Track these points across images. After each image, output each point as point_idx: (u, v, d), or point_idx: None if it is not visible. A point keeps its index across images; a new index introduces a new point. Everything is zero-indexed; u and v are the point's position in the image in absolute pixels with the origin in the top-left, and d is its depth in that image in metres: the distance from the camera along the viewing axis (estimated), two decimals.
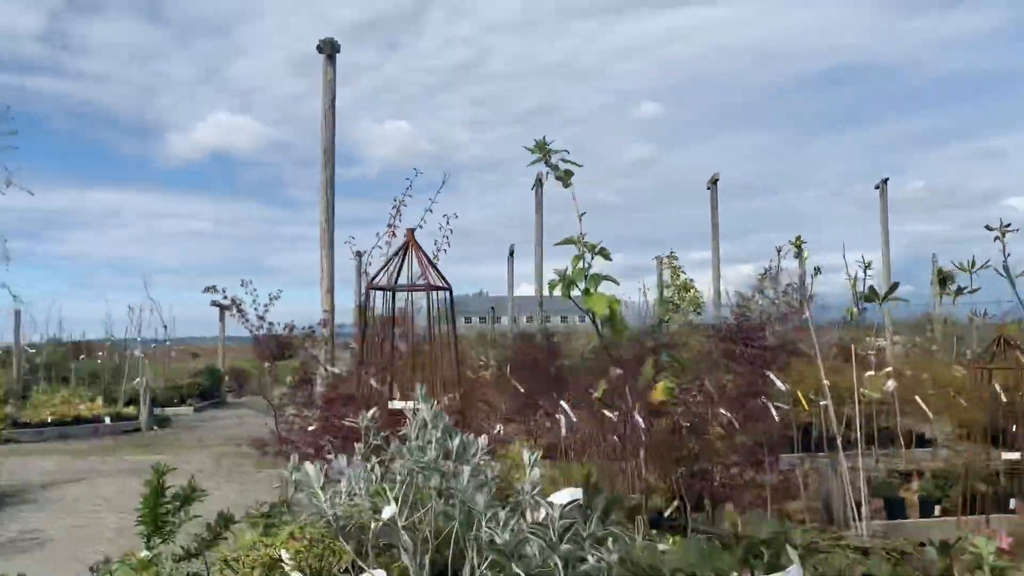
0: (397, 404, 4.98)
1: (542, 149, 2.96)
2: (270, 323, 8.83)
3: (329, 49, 11.33)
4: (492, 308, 29.40)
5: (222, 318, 27.90)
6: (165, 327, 22.27)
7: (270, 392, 8.88)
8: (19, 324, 21.93)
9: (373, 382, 7.00)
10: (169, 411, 21.21)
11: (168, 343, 23.96)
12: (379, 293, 6.26)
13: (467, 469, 2.53)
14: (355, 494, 2.79)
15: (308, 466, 2.99)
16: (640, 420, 6.19)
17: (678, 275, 15.24)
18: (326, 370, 8.95)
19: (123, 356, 22.85)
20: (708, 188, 19.60)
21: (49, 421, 17.38)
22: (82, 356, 24.34)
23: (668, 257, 16.19)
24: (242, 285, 8.72)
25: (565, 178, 2.99)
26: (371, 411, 3.64)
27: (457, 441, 2.64)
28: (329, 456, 6.50)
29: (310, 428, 6.67)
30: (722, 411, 6.97)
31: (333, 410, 6.65)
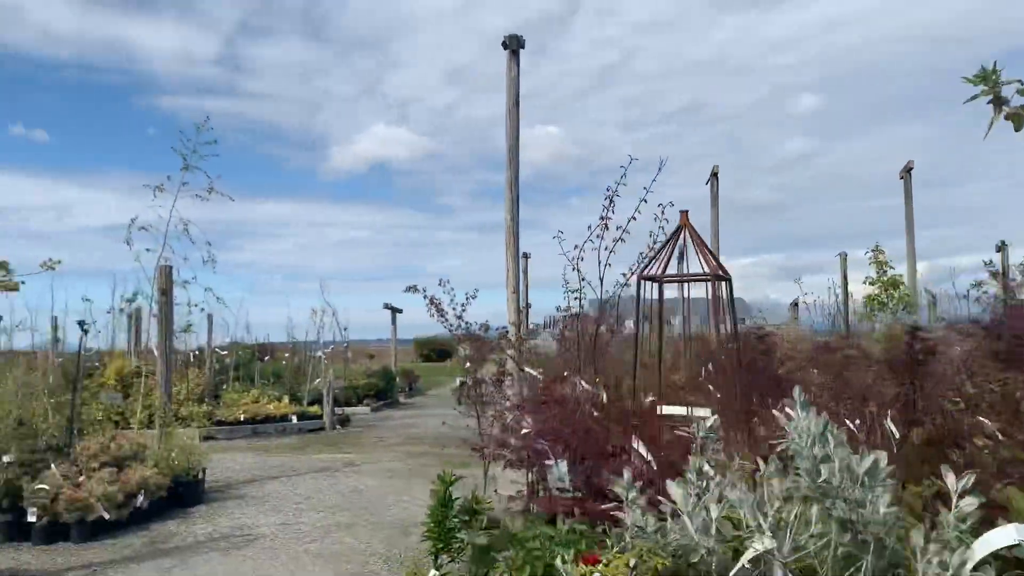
0: (676, 410, 4.52)
1: (988, 79, 2.35)
2: (467, 323, 8.66)
3: (515, 44, 11.11)
4: None
5: (394, 321, 28.64)
6: (345, 329, 23.01)
7: (469, 392, 8.69)
8: (211, 327, 23.26)
9: (584, 383, 6.62)
10: (348, 410, 21.85)
11: (345, 345, 24.77)
12: (640, 285, 5.85)
13: (886, 497, 2.04)
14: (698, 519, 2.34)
15: (673, 486, 2.54)
16: (894, 429, 5.47)
17: (884, 270, 13.99)
18: (523, 371, 8.67)
19: (305, 357, 23.81)
20: (901, 178, 18.07)
21: (242, 419, 18.23)
22: (267, 358, 25.57)
23: (874, 251, 14.89)
24: (440, 285, 8.62)
25: (1021, 117, 2.36)
26: (710, 418, 3.19)
27: (869, 462, 2.14)
28: (548, 462, 6.18)
29: (523, 431, 6.36)
30: (984, 420, 6.09)
31: (547, 412, 6.31)
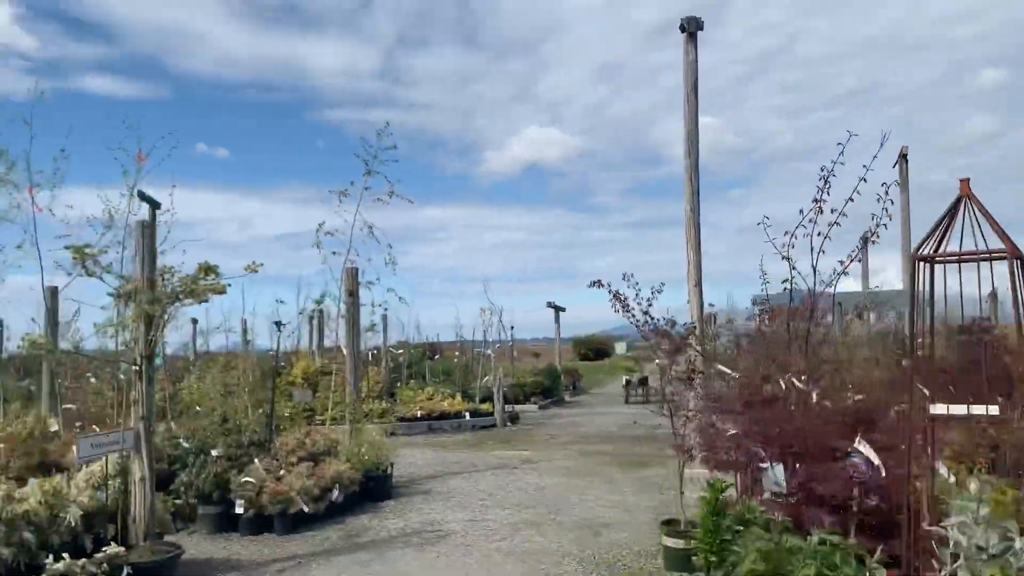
0: (951, 410, 4.03)
1: None
2: (654, 318, 8.29)
3: (692, 27, 10.64)
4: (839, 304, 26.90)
5: (557, 319, 28.62)
6: (511, 328, 23.19)
7: (648, 392, 8.33)
8: (386, 327, 24.06)
9: (795, 381, 6.13)
10: (517, 408, 21.97)
11: (510, 344, 24.97)
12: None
13: None
14: None
15: None
16: None
17: None
18: (715, 369, 8.22)
19: (473, 356, 24.17)
20: None
21: (419, 415, 18.68)
22: (436, 356, 26.19)
23: None
24: (623, 279, 8.29)
25: None
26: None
27: None
28: (763, 465, 5.75)
29: (729, 433, 5.96)
30: None
31: (756, 412, 5.88)
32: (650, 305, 8.39)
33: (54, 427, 10.79)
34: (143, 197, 13.32)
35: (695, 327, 8.78)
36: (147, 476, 7.10)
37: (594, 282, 8.34)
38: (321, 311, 20.77)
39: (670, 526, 7.33)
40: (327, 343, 23.17)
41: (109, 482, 7.23)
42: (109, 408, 12.90)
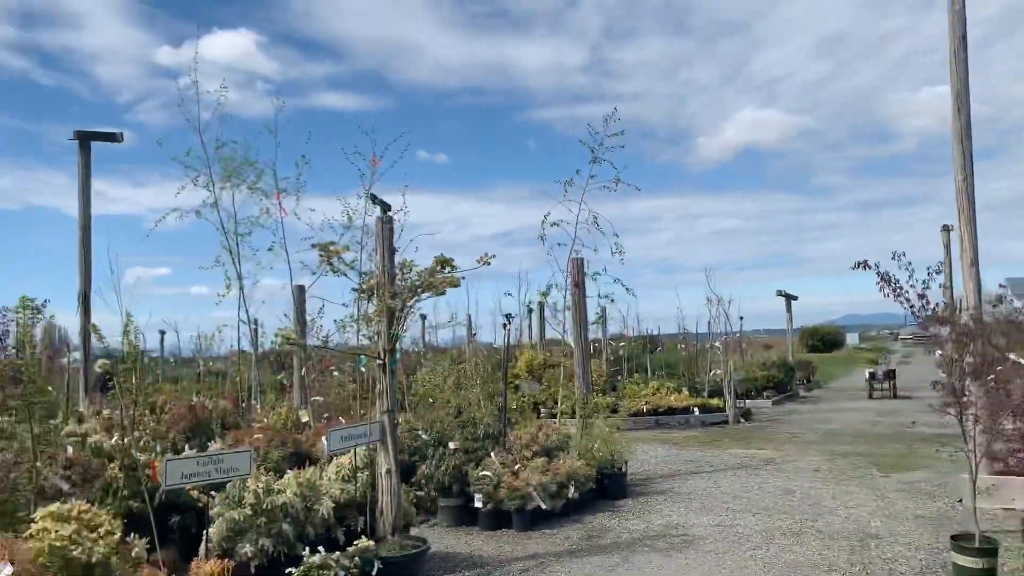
0: None
1: None
2: (930, 303, 7.20)
3: None
4: None
5: (789, 308, 26.89)
6: (741, 319, 22.03)
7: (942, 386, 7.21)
8: (605, 319, 23.69)
9: None
10: (748, 403, 20.77)
11: (737, 335, 23.73)
12: None
13: None
14: None
15: None
16: None
17: None
18: (1010, 359, 6.99)
19: (698, 348, 23.21)
20: None
21: (644, 410, 18.10)
22: (658, 349, 25.47)
23: None
24: (893, 259, 7.28)
25: None
26: None
27: None
28: None
29: None
30: None
31: None
32: (926, 288, 7.33)
33: (304, 418, 11.35)
34: (374, 200, 13.85)
35: (977, 312, 7.54)
36: (393, 468, 7.12)
37: (858, 263, 7.39)
38: (542, 304, 20.80)
39: (961, 542, 6.30)
40: (548, 336, 23.18)
41: (357, 474, 7.32)
42: (351, 400, 13.52)
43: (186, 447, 9.69)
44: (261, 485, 6.19)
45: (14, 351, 6.30)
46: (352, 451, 7.25)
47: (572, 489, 9.35)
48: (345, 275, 7.49)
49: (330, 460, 8.96)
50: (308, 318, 12.87)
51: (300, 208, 12.38)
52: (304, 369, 12.11)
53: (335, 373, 15.40)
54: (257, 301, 13.45)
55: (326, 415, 11.88)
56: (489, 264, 7.57)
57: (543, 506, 8.85)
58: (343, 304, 10.92)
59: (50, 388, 14.87)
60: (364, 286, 7.46)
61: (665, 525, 8.72)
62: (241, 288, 12.67)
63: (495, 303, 23.97)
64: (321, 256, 7.46)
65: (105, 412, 11.72)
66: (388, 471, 7.11)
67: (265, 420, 11.56)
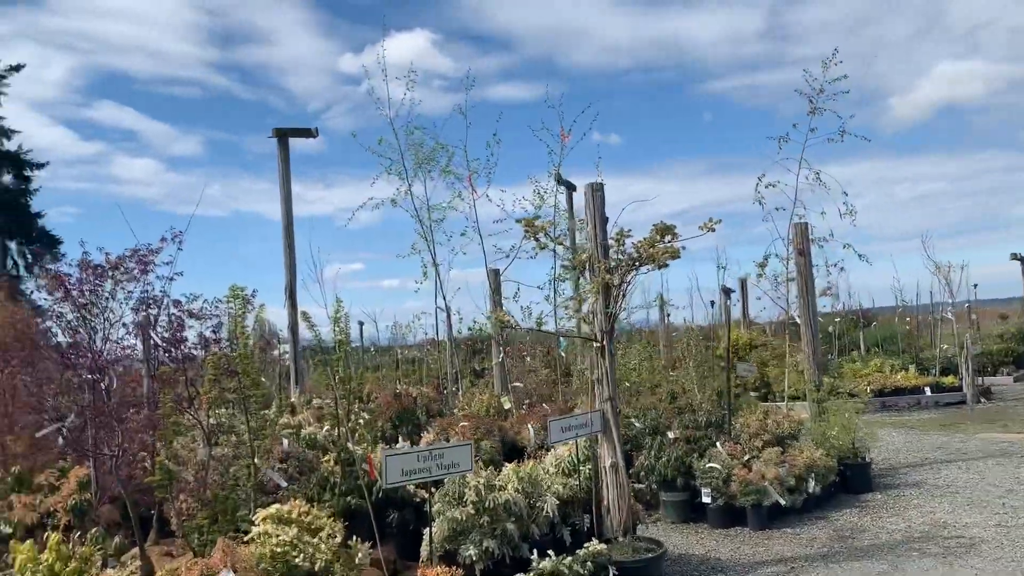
0: None
1: None
2: None
3: None
4: None
5: None
6: (975, 286, 19.64)
7: None
8: (836, 292, 21.58)
9: None
10: (986, 380, 18.40)
11: (966, 306, 21.14)
12: None
13: None
14: None
15: None
16: None
17: None
18: None
19: (921, 322, 20.95)
20: None
21: (868, 391, 16.39)
22: (873, 324, 23.28)
23: None
24: None
25: None
26: None
27: None
28: None
29: None
30: None
31: None
32: None
33: (507, 405, 10.92)
34: (560, 180, 13.23)
35: None
36: (619, 462, 6.41)
37: None
38: (744, 280, 19.39)
39: None
40: (754, 311, 21.78)
41: (579, 468, 6.68)
42: (550, 385, 13.01)
43: (398, 438, 9.50)
44: (482, 481, 5.66)
45: (227, 343, 6.14)
46: (573, 443, 6.60)
47: (812, 483, 8.28)
48: (553, 250, 6.89)
49: (539, 448, 8.43)
50: (505, 302, 12.49)
51: (491, 191, 11.98)
52: (502, 355, 11.68)
53: (528, 359, 14.99)
54: (452, 287, 13.24)
55: (526, 401, 11.41)
56: (714, 230, 6.68)
57: (781, 502, 7.85)
58: (538, 287, 10.41)
59: (264, 380, 15.50)
60: (575, 261, 6.79)
61: (930, 524, 7.47)
62: (437, 274, 12.46)
63: (690, 280, 22.63)
64: (526, 231, 6.86)
65: (315, 402, 11.86)
66: (613, 465, 6.40)
67: (468, 408, 11.25)
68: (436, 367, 18.03)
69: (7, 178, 41.77)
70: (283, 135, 14.44)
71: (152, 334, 6.03)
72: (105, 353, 5.56)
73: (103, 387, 5.31)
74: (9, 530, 5.02)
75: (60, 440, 6.07)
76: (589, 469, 6.66)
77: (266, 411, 12.37)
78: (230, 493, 5.45)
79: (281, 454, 7.22)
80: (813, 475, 8.31)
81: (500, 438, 9.34)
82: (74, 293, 5.41)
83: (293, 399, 12.84)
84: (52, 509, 5.27)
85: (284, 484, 5.55)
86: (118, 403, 5.31)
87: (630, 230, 6.40)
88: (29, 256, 38.69)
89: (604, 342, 6.45)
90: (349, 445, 6.06)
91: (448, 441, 8.84)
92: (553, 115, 11.34)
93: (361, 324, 25.30)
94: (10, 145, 41.53)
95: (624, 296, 6.53)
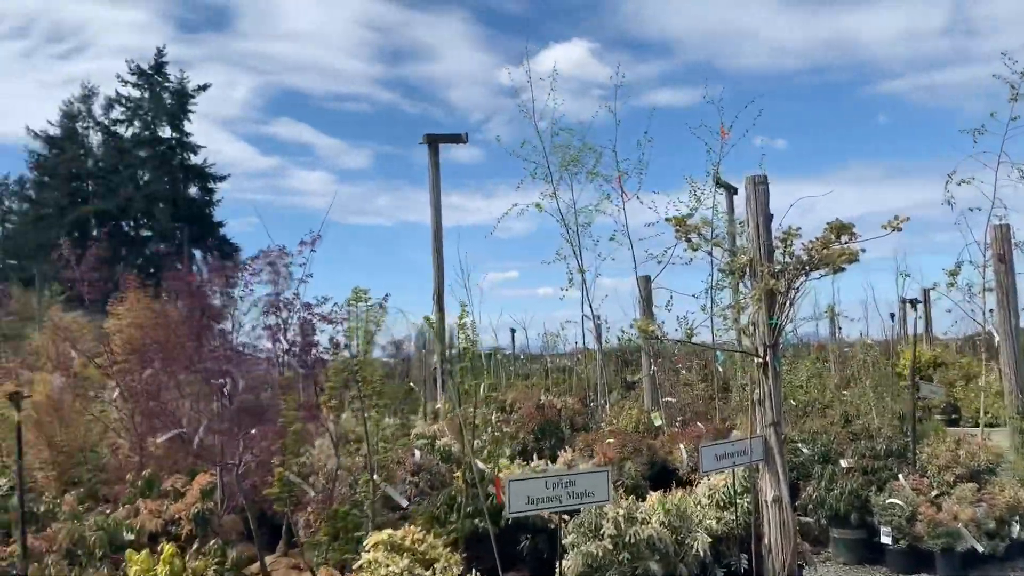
0: None
1: None
2: None
3: None
4: None
5: None
6: None
7: None
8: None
9: None
10: None
11: None
12: None
13: None
14: None
15: None
16: None
17: None
18: None
19: None
20: None
21: None
22: None
23: None
24: None
25: None
26: None
27: None
28: None
29: None
30: None
31: None
32: None
33: (657, 421, 10.17)
34: (719, 183, 12.31)
35: None
36: (783, 496, 5.57)
37: None
38: (927, 291, 17.52)
39: None
40: (942, 327, 19.79)
41: (736, 501, 5.88)
42: (706, 400, 12.09)
43: (540, 452, 8.98)
44: (622, 512, 5.02)
45: (344, 348, 5.81)
46: (730, 472, 5.82)
47: (1016, 527, 7.05)
48: (709, 253, 6.16)
49: (692, 471, 7.65)
50: (656, 310, 11.73)
51: (642, 193, 11.29)
52: (653, 367, 10.92)
53: (682, 371, 14.09)
54: (600, 295, 12.64)
55: (679, 418, 10.58)
56: (900, 229, 5.71)
57: (978, 548, 6.71)
58: (693, 296, 9.59)
59: (414, 386, 15.44)
60: (733, 265, 6.01)
61: None
62: (583, 281, 11.89)
63: (864, 291, 20.82)
64: (677, 231, 6.14)
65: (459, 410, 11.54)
66: (776, 499, 5.56)
67: (615, 422, 10.58)
68: (585, 377, 17.43)
69: (193, 190, 45.20)
70: (433, 141, 14.35)
71: (281, 338, 5.82)
72: (234, 356, 5.39)
73: (226, 392, 5.10)
74: (131, 536, 4.89)
75: (194, 444, 5.98)
76: (748, 502, 5.85)
77: (413, 415, 12.24)
78: (351, 509, 5.09)
79: (413, 466, 6.87)
80: (1017, 518, 7.06)
81: (648, 458, 8.63)
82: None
83: (439, 406, 12.63)
84: (176, 517, 5.12)
85: (405, 503, 5.12)
86: (239, 409, 5.08)
87: (799, 228, 5.57)
88: (210, 262, 41.39)
89: (767, 357, 5.64)
90: (477, 463, 5.57)
91: (592, 457, 8.23)
92: (712, 111, 10.53)
93: (513, 331, 25.12)
94: (196, 160, 44.82)
95: (791, 305, 5.69)
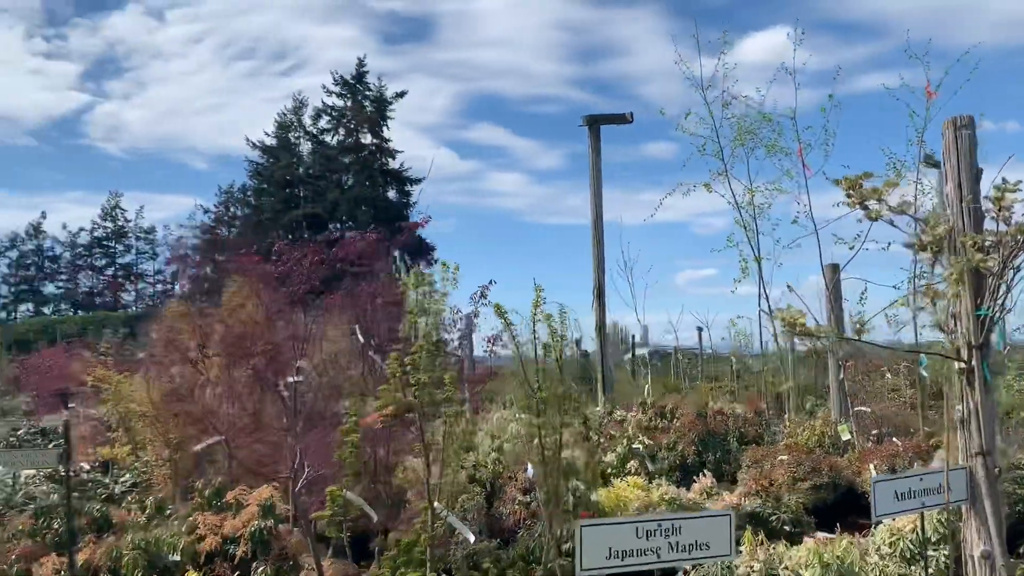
0: None
1: None
2: None
3: None
4: None
5: None
6: None
7: None
8: None
9: None
10: None
11: None
12: None
13: None
14: None
15: None
16: None
17: None
18: None
19: None
20: None
21: None
22: None
23: None
24: None
25: None
26: None
27: None
28: None
29: None
30: None
31: None
32: None
33: (845, 435, 8.54)
34: (928, 160, 10.33)
35: None
36: (995, 551, 4.05)
37: None
38: None
39: None
40: None
41: (929, 553, 4.39)
42: (911, 410, 10.16)
43: (701, 469, 7.75)
44: (757, 568, 3.75)
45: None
46: (919, 515, 4.35)
47: None
48: (891, 222, 4.69)
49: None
50: (847, 303, 10.01)
51: (828, 167, 9.62)
52: (841, 371, 9.22)
53: (887, 376, 12.12)
54: (781, 286, 11.05)
55: (875, 431, 8.85)
56: None
57: None
58: (894, 287, 7.92)
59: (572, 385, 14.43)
60: (923, 239, 4.51)
61: None
62: (759, 271, 10.37)
63: None
64: (849, 195, 4.73)
65: (617, 414, 10.41)
66: (986, 555, 4.05)
67: (795, 435, 9.04)
68: (770, 381, 15.64)
69: (391, 193, 46.99)
70: (594, 123, 13.34)
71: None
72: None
73: (285, 395, 4.39)
74: (177, 558, 4.28)
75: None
76: (945, 556, 4.35)
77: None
78: (415, 539, 4.20)
79: (526, 482, 5.90)
80: None
81: (830, 480, 7.15)
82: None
83: (599, 408, 11.59)
84: (236, 534, 4.48)
85: (471, 538, 4.14)
86: (297, 413, 4.36)
87: (1020, 182, 4.02)
88: (408, 262, 42.83)
89: (972, 361, 4.13)
90: (578, 483, 4.48)
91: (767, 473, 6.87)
92: (917, 68, 8.78)
93: (700, 330, 23.54)
94: (394, 164, 46.56)
95: (1008, 291, 4.14)
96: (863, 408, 9.32)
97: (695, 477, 7.75)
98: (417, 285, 4.52)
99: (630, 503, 5.30)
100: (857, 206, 4.78)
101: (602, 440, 8.07)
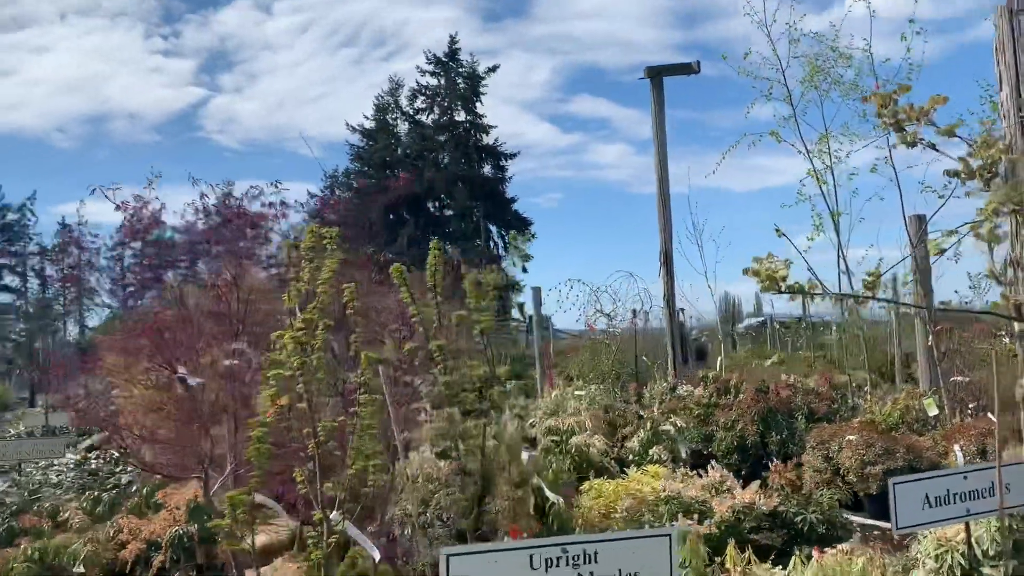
0: None
1: None
2: None
3: None
4: None
5: None
6: None
7: None
8: None
9: None
10: None
11: None
12: None
13: None
14: None
15: None
16: None
17: None
18: None
19: None
20: None
21: None
22: None
23: None
24: None
25: None
26: None
27: None
28: None
29: None
30: None
31: None
32: None
33: (932, 410, 7.38)
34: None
35: None
36: None
37: None
38: None
39: None
40: None
41: (984, 570, 3.40)
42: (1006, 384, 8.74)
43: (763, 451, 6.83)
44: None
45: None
46: (965, 525, 3.36)
47: None
48: (933, 146, 3.63)
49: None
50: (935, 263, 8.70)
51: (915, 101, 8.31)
52: (930, 335, 7.98)
53: (1001, 341, 10.60)
54: (861, 242, 9.84)
55: (972, 404, 7.62)
56: None
57: None
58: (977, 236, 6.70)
59: (646, 359, 13.51)
60: (971, 163, 3.45)
61: None
62: (836, 227, 9.22)
63: None
64: (880, 114, 3.71)
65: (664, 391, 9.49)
66: None
67: (873, 411, 7.91)
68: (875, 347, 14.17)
69: (487, 169, 46.60)
70: (656, 75, 12.28)
71: None
72: None
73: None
74: (81, 569, 3.77)
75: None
76: (1011, 568, 3.35)
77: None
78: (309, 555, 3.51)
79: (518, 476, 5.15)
80: None
81: (907, 463, 6.11)
82: None
83: (664, 381, 10.71)
84: (158, 538, 3.96)
85: (377, 556, 3.36)
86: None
87: None
88: (505, 237, 42.60)
89: None
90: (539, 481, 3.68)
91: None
92: None
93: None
94: (488, 140, 46.13)
95: None
96: (959, 378, 8.05)
97: (764, 462, 6.86)
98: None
99: (628, 500, 4.46)
100: (891, 128, 3.77)
101: (626, 423, 7.22)
